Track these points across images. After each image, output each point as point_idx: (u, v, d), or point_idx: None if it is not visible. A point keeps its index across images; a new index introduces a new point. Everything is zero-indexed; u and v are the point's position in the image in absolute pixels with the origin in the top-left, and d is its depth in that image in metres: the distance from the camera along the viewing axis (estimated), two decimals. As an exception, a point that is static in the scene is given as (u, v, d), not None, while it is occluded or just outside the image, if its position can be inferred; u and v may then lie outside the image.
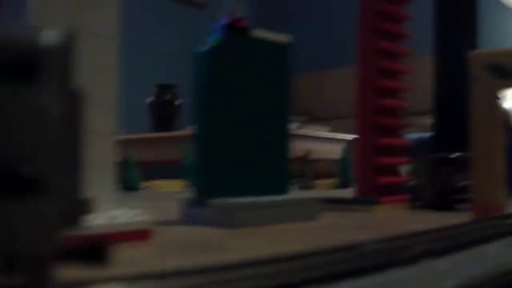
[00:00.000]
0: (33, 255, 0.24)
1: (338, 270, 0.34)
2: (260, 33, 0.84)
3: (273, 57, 0.86)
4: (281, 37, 0.87)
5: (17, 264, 0.25)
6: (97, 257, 0.27)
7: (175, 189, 1.73)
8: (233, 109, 0.80)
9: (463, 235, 0.46)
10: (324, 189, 1.81)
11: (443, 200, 0.98)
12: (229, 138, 0.80)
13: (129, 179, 1.72)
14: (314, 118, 3.96)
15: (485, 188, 0.67)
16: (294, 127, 2.96)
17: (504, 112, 2.20)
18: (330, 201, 1.01)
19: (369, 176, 0.99)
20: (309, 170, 1.82)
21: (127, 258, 0.46)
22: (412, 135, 2.90)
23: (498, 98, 0.68)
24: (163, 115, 3.01)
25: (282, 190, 0.86)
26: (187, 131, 2.49)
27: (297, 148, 2.16)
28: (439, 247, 0.41)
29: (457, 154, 0.97)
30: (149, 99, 3.01)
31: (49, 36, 0.24)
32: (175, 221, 0.80)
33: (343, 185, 1.80)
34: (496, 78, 0.66)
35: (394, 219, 0.87)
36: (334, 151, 2.32)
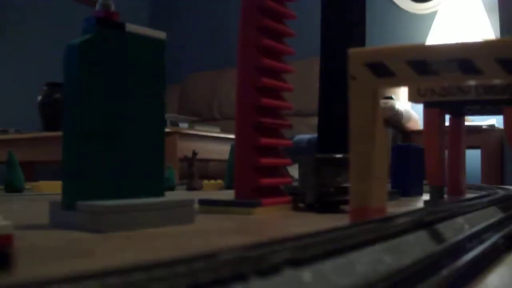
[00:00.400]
0: None
1: (192, 281, 0.31)
2: (134, 28, 0.80)
3: (147, 53, 0.82)
4: (156, 33, 0.83)
5: None
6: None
7: (58, 191, 1.67)
8: (103, 107, 0.76)
9: (334, 240, 0.43)
10: (211, 190, 1.78)
11: (326, 201, 0.96)
12: (99, 137, 0.75)
13: (12, 180, 1.64)
14: (205, 118, 3.93)
15: (363, 190, 0.65)
16: (183, 127, 2.93)
17: (396, 113, 2.22)
18: (210, 203, 0.98)
19: (250, 177, 0.96)
20: (196, 171, 1.79)
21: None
22: (303, 136, 2.91)
23: (378, 97, 0.65)
24: (53, 113, 2.95)
25: (157, 192, 0.82)
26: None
27: (186, 148, 2.13)
28: (305, 254, 0.38)
29: (341, 154, 0.95)
30: (39, 98, 2.93)
31: None
32: (43, 225, 0.75)
33: (231, 186, 1.77)
34: (376, 77, 0.64)
35: (273, 223, 0.85)
36: (224, 152, 2.30)
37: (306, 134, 2.96)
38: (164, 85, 0.83)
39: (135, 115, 0.79)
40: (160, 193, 0.83)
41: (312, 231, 0.44)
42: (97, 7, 0.80)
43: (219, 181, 1.87)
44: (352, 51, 0.65)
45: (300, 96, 3.03)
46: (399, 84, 0.66)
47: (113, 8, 0.81)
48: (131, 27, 0.80)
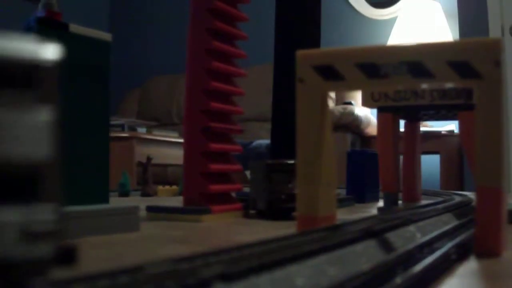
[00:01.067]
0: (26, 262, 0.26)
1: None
2: (78, 29, 0.77)
3: (92, 55, 0.79)
4: (101, 35, 0.80)
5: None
6: (67, 258, 0.28)
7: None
8: (44, 109, 0.73)
9: (273, 251, 0.40)
10: (166, 196, 1.75)
11: (277, 208, 0.94)
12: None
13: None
14: (164, 123, 3.89)
15: (310, 197, 0.63)
16: (141, 132, 2.90)
17: (355, 118, 2.21)
18: (158, 210, 0.95)
19: (198, 183, 0.93)
20: (150, 176, 1.76)
21: None
22: (262, 142, 2.88)
23: (326, 100, 0.63)
24: None
25: (100, 198, 0.79)
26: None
27: (143, 153, 2.10)
28: (239, 268, 0.35)
29: (293, 160, 0.93)
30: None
31: (48, 51, 0.27)
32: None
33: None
34: (324, 80, 0.62)
35: (221, 231, 0.82)
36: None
37: (265, 139, 2.94)
38: (108, 87, 0.80)
39: (78, 119, 0.76)
40: (105, 200, 0.80)
41: (250, 242, 0.42)
42: (40, 6, 0.78)
43: (174, 186, 1.84)
44: (300, 53, 0.63)
45: (261, 101, 3.01)
46: (348, 87, 0.63)
47: (56, 8, 0.78)
48: (74, 28, 0.77)
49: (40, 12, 0.76)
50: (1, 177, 0.26)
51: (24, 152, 0.26)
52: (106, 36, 0.81)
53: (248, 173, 1.04)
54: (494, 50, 0.56)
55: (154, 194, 1.75)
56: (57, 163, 0.27)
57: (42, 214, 0.27)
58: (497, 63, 0.56)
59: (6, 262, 0.26)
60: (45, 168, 0.27)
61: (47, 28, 0.74)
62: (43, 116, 0.27)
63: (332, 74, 0.61)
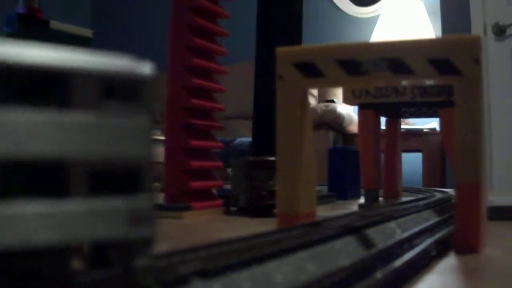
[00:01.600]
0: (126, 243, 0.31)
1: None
2: (59, 26, 0.77)
3: (72, 50, 0.78)
4: (82, 31, 0.80)
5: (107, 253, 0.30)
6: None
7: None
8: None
9: (252, 248, 0.40)
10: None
11: (258, 205, 0.94)
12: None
13: None
14: (147, 121, 3.88)
15: (290, 194, 0.63)
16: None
17: (337, 116, 2.21)
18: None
19: (179, 180, 0.93)
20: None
21: None
22: (244, 139, 2.88)
23: (306, 97, 0.63)
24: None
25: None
26: None
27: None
28: (217, 264, 0.35)
29: (274, 157, 0.93)
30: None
31: (145, 68, 0.32)
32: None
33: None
34: (304, 77, 0.62)
35: (201, 227, 0.82)
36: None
37: (247, 137, 2.94)
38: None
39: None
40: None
41: (229, 238, 0.41)
42: (20, 2, 0.77)
43: (156, 183, 1.84)
44: (280, 50, 0.63)
45: (242, 99, 3.01)
46: (328, 84, 0.64)
47: (36, 4, 0.78)
48: (55, 24, 0.76)
49: (20, 8, 0.76)
50: (113, 172, 0.30)
51: (130, 151, 0.31)
52: (87, 32, 0.80)
53: (230, 170, 1.04)
54: (474, 47, 0.57)
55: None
56: (151, 160, 0.32)
57: (142, 202, 0.31)
58: (477, 61, 0.56)
59: (117, 243, 0.30)
60: (143, 165, 0.31)
61: (28, 25, 0.74)
62: (142, 122, 0.31)
63: (312, 71, 0.61)
